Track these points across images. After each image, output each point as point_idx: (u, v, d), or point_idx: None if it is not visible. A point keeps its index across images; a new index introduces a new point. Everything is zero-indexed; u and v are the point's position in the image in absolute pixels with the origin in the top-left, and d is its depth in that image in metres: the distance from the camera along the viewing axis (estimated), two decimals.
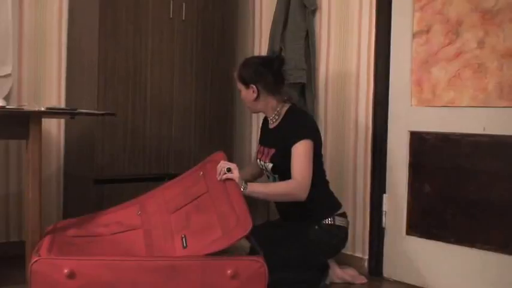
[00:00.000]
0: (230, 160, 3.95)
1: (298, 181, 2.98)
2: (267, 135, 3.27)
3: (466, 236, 3.06)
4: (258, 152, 3.31)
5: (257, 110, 3.24)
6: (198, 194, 2.89)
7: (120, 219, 2.90)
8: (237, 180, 2.87)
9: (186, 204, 2.84)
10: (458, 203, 3.10)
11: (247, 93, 3.16)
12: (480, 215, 3.00)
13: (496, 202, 2.94)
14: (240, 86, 3.19)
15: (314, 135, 3.11)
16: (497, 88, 2.94)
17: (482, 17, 3.00)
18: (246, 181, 2.96)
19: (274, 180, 3.18)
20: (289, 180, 3.01)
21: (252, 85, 3.14)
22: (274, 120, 3.22)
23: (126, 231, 2.77)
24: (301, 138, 3.03)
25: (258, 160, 3.26)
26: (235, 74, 3.22)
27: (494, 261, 2.94)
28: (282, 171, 3.09)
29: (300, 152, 3.02)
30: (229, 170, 2.89)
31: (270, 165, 3.14)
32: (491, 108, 2.97)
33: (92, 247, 2.64)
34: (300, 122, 3.14)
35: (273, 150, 3.15)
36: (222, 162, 2.95)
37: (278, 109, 3.19)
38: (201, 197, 2.85)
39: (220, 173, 2.89)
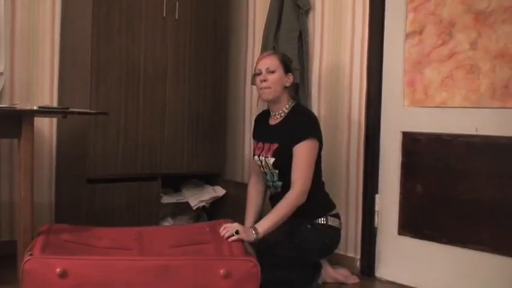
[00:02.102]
0: (222, 162, 4.05)
1: (298, 189, 3.00)
2: (267, 132, 3.25)
3: (457, 236, 3.06)
4: (255, 148, 3.30)
5: (274, 98, 3.17)
6: (200, 241, 2.83)
7: (115, 237, 2.85)
8: (247, 238, 2.83)
9: (185, 245, 2.79)
10: (450, 203, 3.10)
11: (282, 77, 3.16)
12: (472, 215, 3.01)
13: (488, 203, 2.94)
14: (277, 68, 3.15)
15: (319, 135, 3.14)
16: (490, 89, 2.95)
17: (475, 18, 3.01)
18: (254, 227, 2.92)
19: (273, 176, 3.18)
20: (289, 194, 3.01)
21: (290, 73, 3.21)
22: (279, 116, 3.22)
23: (119, 248, 2.71)
24: (307, 137, 3.05)
25: (257, 156, 3.25)
26: (275, 56, 3.20)
27: (486, 261, 2.95)
28: (284, 166, 3.09)
29: (303, 153, 3.04)
30: (237, 232, 2.84)
31: (272, 159, 3.14)
32: (483, 109, 2.98)
33: (84, 254, 2.59)
34: (306, 120, 3.16)
35: (275, 145, 3.14)
36: (224, 225, 2.90)
37: (289, 103, 3.21)
38: (203, 245, 2.79)
39: (227, 235, 2.83)
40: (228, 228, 2.85)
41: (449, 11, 3.12)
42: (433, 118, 3.19)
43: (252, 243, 2.83)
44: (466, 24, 3.05)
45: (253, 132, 3.44)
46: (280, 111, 3.21)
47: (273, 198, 3.25)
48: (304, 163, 3.03)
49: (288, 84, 3.19)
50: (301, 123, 3.12)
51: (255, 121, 3.46)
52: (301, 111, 3.22)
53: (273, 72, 3.14)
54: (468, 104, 3.04)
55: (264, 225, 2.92)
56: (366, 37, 3.45)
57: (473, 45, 3.02)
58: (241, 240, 2.79)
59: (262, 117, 3.36)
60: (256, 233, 2.87)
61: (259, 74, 3.17)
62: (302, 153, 3.04)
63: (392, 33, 3.37)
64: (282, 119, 3.20)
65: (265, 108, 3.40)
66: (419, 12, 3.25)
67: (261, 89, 3.17)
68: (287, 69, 3.19)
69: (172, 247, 2.76)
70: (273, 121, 3.25)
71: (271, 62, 3.16)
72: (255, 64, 3.29)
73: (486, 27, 2.97)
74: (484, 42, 2.97)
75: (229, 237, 2.81)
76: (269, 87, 3.13)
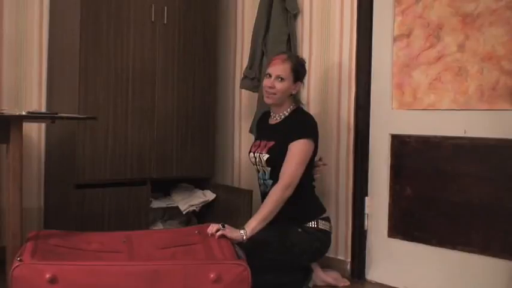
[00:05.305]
0: (212, 166, 4.03)
1: (283, 183, 3.01)
2: (266, 130, 3.29)
3: (447, 238, 3.07)
4: (252, 146, 3.33)
5: (278, 103, 3.20)
6: (189, 243, 2.82)
7: (104, 240, 2.85)
8: (234, 236, 2.84)
9: (175, 246, 2.78)
10: (439, 205, 3.11)
11: (290, 86, 3.18)
12: (461, 217, 3.01)
13: (477, 204, 2.95)
14: (288, 77, 3.16)
15: (316, 138, 3.16)
16: (478, 91, 2.96)
17: (463, 21, 3.02)
18: (243, 227, 2.92)
19: (264, 174, 3.20)
20: (274, 188, 3.03)
21: (299, 82, 3.23)
22: (279, 118, 3.25)
23: (108, 252, 2.71)
24: (303, 136, 3.07)
25: (252, 153, 3.28)
26: (288, 63, 3.18)
27: (475, 263, 2.95)
28: (277, 164, 3.10)
29: (297, 151, 3.06)
30: (223, 226, 2.87)
31: (266, 156, 3.16)
32: (471, 111, 2.99)
33: (74, 258, 2.58)
34: (305, 121, 3.18)
35: (272, 143, 3.17)
36: (212, 224, 2.92)
37: (290, 107, 3.23)
38: (192, 246, 2.78)
39: (214, 230, 2.85)
40: (214, 225, 2.88)
41: (437, 13, 3.13)
42: (421, 120, 3.20)
43: (242, 246, 2.81)
44: (454, 27, 3.06)
45: (256, 134, 3.48)
46: (281, 114, 3.24)
47: (263, 197, 3.24)
48: (295, 159, 3.05)
49: (294, 92, 3.22)
50: (300, 123, 3.15)
51: (257, 124, 3.51)
52: (301, 113, 3.25)
53: (282, 80, 3.15)
54: (456, 106, 3.05)
55: (251, 224, 2.93)
56: (354, 40, 3.46)
57: (461, 47, 3.03)
58: (231, 243, 2.79)
59: (263, 118, 3.40)
60: (244, 232, 2.88)
61: (269, 76, 3.19)
62: (295, 149, 3.06)
63: (381, 36, 3.38)
64: (282, 120, 3.23)
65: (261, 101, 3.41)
66: (407, 15, 3.27)
67: (266, 91, 3.19)
68: (297, 78, 3.20)
69: (161, 249, 2.75)
70: (272, 121, 3.28)
71: (283, 70, 3.16)
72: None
73: (474, 30, 2.98)
74: (472, 44, 2.99)
75: (217, 231, 2.83)
76: (274, 94, 3.16)
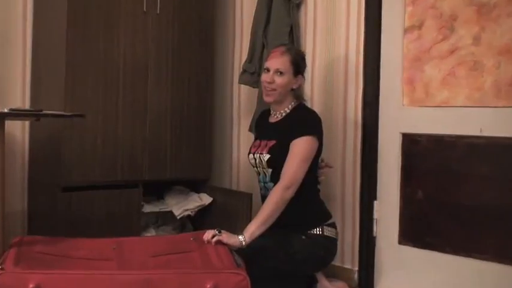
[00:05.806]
0: (209, 167, 4.00)
1: (284, 183, 2.92)
2: (266, 129, 3.22)
3: (461, 245, 3.02)
4: (251, 146, 3.26)
5: (279, 99, 3.13)
6: (184, 250, 2.75)
7: (92, 247, 2.78)
8: (232, 242, 2.75)
9: (168, 254, 2.71)
10: (453, 210, 3.06)
11: (291, 81, 3.11)
12: (476, 222, 2.97)
13: (493, 208, 2.90)
14: (287, 70, 3.09)
15: (320, 135, 3.08)
16: (494, 87, 2.90)
17: (478, 11, 2.97)
18: (242, 233, 2.85)
19: (265, 176, 3.11)
20: (273, 190, 2.95)
21: (300, 75, 3.15)
22: (279, 115, 3.17)
23: (98, 259, 2.64)
24: (306, 133, 2.99)
25: (252, 154, 3.20)
26: (287, 56, 3.11)
27: (490, 271, 2.91)
28: (278, 165, 3.02)
29: (299, 149, 2.97)
30: (220, 231, 2.78)
31: (267, 156, 3.08)
32: (487, 108, 2.93)
33: (60, 266, 2.51)
34: (308, 117, 3.11)
35: (273, 142, 3.09)
36: (208, 230, 2.84)
37: (291, 104, 3.16)
38: (187, 253, 2.71)
39: (210, 236, 2.77)
40: (210, 231, 2.79)
41: (450, 3, 3.08)
42: (434, 118, 3.15)
43: (241, 254, 2.72)
44: (468, 18, 3.00)
45: (255, 133, 3.43)
46: (282, 111, 3.17)
47: (264, 201, 3.14)
48: (297, 158, 2.96)
49: (295, 87, 3.15)
50: (303, 120, 3.08)
51: (256, 123, 3.46)
52: (304, 110, 3.18)
53: (281, 73, 3.08)
54: (471, 103, 3.00)
55: (250, 229, 2.85)
56: (362, 32, 3.42)
57: (476, 40, 2.97)
58: (230, 250, 2.70)
59: (263, 117, 3.34)
60: (243, 238, 2.79)
61: (267, 70, 3.12)
62: (297, 147, 2.97)
63: (390, 28, 3.34)
64: (283, 118, 3.16)
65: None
66: (418, 5, 3.22)
67: (265, 88, 3.12)
68: (297, 71, 3.13)
69: (154, 256, 2.68)
70: (273, 119, 3.21)
71: (282, 63, 3.09)
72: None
73: (490, 21, 2.92)
74: (488, 37, 2.93)
75: (213, 237, 2.75)
76: (274, 90, 3.09)
